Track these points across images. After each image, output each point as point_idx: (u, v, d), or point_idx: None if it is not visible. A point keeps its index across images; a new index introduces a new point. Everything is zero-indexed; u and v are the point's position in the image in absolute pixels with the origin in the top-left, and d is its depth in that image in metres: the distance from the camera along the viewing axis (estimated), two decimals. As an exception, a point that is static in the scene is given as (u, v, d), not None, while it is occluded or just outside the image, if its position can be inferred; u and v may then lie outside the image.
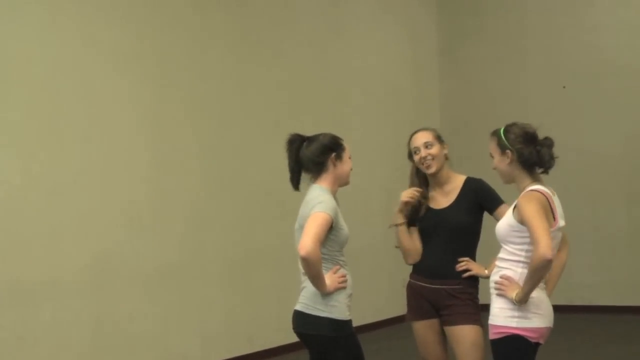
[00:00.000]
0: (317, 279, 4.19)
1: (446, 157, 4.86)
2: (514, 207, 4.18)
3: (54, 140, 6.97)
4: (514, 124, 4.24)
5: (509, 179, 4.28)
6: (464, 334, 4.69)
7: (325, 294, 4.23)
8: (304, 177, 4.49)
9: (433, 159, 4.77)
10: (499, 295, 4.17)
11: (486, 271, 4.69)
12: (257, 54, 8.89)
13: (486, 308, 4.38)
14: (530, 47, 11.02)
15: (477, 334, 4.70)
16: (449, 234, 4.81)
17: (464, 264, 4.74)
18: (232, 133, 8.57)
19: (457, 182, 4.87)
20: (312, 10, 9.64)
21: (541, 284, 4.12)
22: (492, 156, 4.32)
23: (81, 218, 7.13)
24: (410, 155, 4.88)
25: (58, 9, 7.02)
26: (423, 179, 4.89)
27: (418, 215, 4.86)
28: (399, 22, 11.09)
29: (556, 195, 4.19)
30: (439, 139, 4.83)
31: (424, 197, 4.87)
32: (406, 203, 4.83)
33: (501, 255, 4.25)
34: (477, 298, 4.79)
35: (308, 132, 4.60)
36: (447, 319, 4.75)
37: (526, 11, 11.13)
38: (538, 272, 3.99)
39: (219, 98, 8.45)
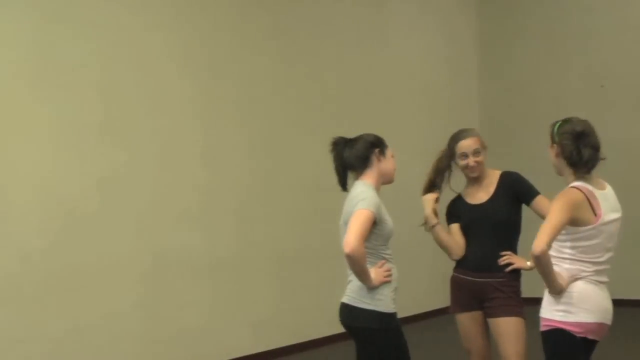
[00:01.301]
0: (362, 274, 4.20)
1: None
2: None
3: (113, 142, 7.03)
4: (569, 119, 4.19)
5: (558, 171, 4.24)
6: (507, 326, 4.69)
7: (371, 287, 4.23)
8: (350, 177, 4.46)
9: (479, 166, 4.79)
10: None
11: (528, 263, 4.64)
12: (304, 58, 8.92)
13: (530, 301, 4.37)
14: (568, 47, 10.90)
15: (519, 325, 4.70)
16: (489, 228, 4.79)
17: (506, 257, 4.73)
18: (279, 133, 8.58)
19: (493, 177, 4.87)
20: (357, 15, 9.65)
21: (595, 280, 4.07)
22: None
23: (140, 214, 7.21)
24: (451, 155, 4.87)
25: (127, 15, 7.12)
26: (444, 171, 4.91)
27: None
28: (439, 26, 11.07)
29: (607, 190, 4.14)
30: (483, 144, 4.85)
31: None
32: (436, 201, 4.87)
33: (549, 251, 4.20)
34: (519, 291, 4.79)
35: (352, 132, 4.61)
36: (490, 311, 4.75)
37: (564, 11, 11.00)
38: (537, 267, 3.97)
39: (267, 100, 8.46)
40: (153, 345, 7.24)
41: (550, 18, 11.12)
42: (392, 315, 4.29)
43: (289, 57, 8.71)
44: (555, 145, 4.15)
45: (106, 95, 7.03)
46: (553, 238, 3.91)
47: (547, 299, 4.11)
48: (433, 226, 4.87)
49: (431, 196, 4.87)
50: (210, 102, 7.95)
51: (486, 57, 11.58)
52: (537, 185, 4.87)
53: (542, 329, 4.12)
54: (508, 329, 4.69)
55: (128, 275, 7.11)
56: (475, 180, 4.87)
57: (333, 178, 4.65)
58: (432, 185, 4.93)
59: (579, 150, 4.09)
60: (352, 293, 4.31)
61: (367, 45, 9.79)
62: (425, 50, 10.76)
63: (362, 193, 4.28)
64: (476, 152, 4.78)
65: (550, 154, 4.20)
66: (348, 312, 4.34)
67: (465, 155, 4.78)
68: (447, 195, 5.06)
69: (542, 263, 3.90)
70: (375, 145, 4.41)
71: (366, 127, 4.85)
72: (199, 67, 7.85)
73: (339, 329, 4.58)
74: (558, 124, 4.18)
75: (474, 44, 11.57)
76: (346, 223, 4.24)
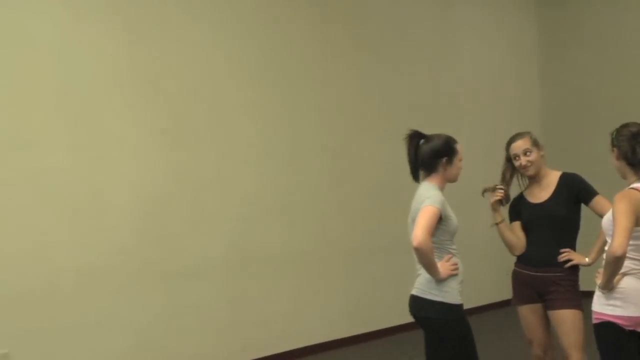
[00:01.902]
0: (430, 267, 4.18)
1: (542, 157, 4.85)
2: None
3: (196, 143, 7.08)
4: (627, 124, 4.13)
5: (621, 175, 4.17)
6: (566, 318, 4.66)
7: (438, 280, 4.21)
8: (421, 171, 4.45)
9: (532, 164, 4.76)
10: (597, 282, 4.09)
11: (587, 259, 4.64)
12: (377, 64, 8.87)
13: (588, 294, 4.30)
14: (628, 53, 10.62)
15: (577, 317, 4.67)
16: (549, 225, 4.76)
17: (566, 254, 4.69)
18: (352, 136, 8.55)
19: (553, 178, 4.83)
20: (425, 24, 9.59)
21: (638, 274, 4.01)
22: None
23: (221, 211, 7.23)
24: (509, 159, 4.88)
25: (194, 24, 7.14)
26: (511, 175, 4.90)
27: (503, 205, 4.88)
28: (502, 33, 10.91)
29: None
30: (535, 143, 4.82)
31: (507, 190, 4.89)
32: (498, 202, 4.84)
33: (605, 247, 4.13)
34: (578, 285, 4.75)
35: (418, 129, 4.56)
36: (550, 304, 4.72)
37: (621, 18, 10.72)
38: (609, 266, 3.88)
39: (341, 105, 8.46)
40: (236, 332, 7.29)
41: (608, 25, 10.86)
42: (458, 307, 4.27)
43: (361, 67, 8.69)
44: (614, 148, 4.08)
45: (193, 102, 7.08)
46: (629, 239, 3.86)
47: (598, 293, 4.07)
48: (497, 224, 4.87)
49: (499, 194, 4.85)
50: (295, 110, 7.96)
51: (547, 64, 11.35)
52: (596, 186, 4.80)
53: (594, 321, 4.09)
54: (567, 320, 4.66)
55: (214, 267, 7.16)
56: (536, 180, 4.84)
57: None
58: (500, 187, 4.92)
59: (634, 149, 4.03)
60: (421, 285, 4.29)
61: (435, 54, 9.73)
62: (490, 58, 10.64)
63: (428, 192, 4.28)
64: (526, 152, 4.77)
65: (612, 159, 4.14)
66: (417, 303, 4.33)
67: (517, 156, 4.79)
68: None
69: (620, 264, 3.88)
70: (442, 154, 4.36)
71: (433, 131, 4.77)
72: (282, 77, 7.86)
73: (409, 318, 4.54)
74: (617, 129, 4.13)
75: (536, 52, 11.38)
76: (414, 220, 4.23)
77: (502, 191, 4.84)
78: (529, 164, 4.77)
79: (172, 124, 6.91)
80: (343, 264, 8.35)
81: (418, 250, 4.10)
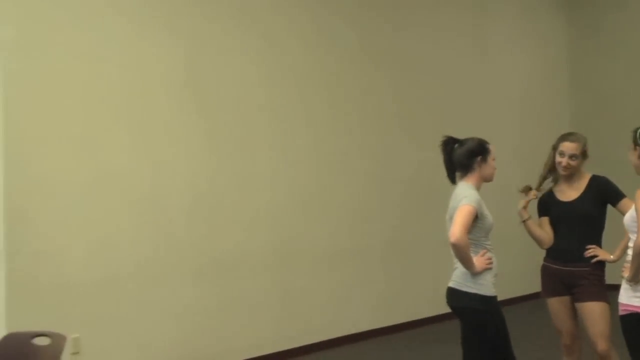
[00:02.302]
0: (466, 261, 4.19)
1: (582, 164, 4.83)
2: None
3: (245, 146, 7.12)
4: None
5: (639, 172, 4.17)
6: (592, 309, 4.66)
7: (473, 273, 4.22)
8: (457, 173, 4.47)
9: (571, 169, 4.77)
10: (622, 276, 4.09)
11: (611, 256, 4.64)
12: (413, 71, 8.88)
13: (614, 287, 4.33)
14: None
15: (604, 309, 4.64)
16: (577, 223, 4.76)
17: (592, 250, 4.69)
18: (391, 139, 8.56)
19: (584, 179, 4.81)
20: (459, 31, 9.57)
21: None
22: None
23: (269, 209, 7.27)
24: (555, 148, 4.84)
25: (246, 36, 7.18)
26: (550, 170, 4.88)
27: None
28: (533, 40, 10.85)
29: None
30: (584, 152, 4.79)
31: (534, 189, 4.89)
32: (528, 201, 4.86)
33: (630, 243, 4.15)
34: (604, 279, 4.74)
35: (457, 136, 4.57)
36: (578, 296, 4.71)
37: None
38: (636, 259, 3.92)
39: (380, 110, 8.46)
40: (285, 321, 7.36)
41: (637, 32, 10.74)
42: (492, 298, 4.28)
43: (400, 74, 8.70)
44: (637, 147, 4.08)
45: (243, 109, 7.12)
46: None
47: (624, 286, 4.08)
48: (524, 221, 4.86)
49: (533, 193, 4.87)
50: (337, 116, 7.97)
51: (577, 69, 11.25)
52: (623, 188, 4.80)
53: (621, 313, 4.09)
54: (593, 312, 4.65)
55: (263, 260, 7.19)
56: (566, 179, 4.81)
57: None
58: (540, 183, 4.92)
59: None
60: (457, 278, 4.31)
61: (468, 60, 9.71)
62: (521, 63, 10.59)
63: (465, 191, 4.29)
64: (573, 156, 4.73)
65: (632, 157, 4.14)
66: (454, 295, 4.34)
67: (562, 154, 4.75)
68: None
69: None
70: (477, 153, 4.38)
71: (468, 133, 4.82)
72: (327, 85, 7.90)
73: (445, 309, 4.57)
74: (638, 129, 4.14)
75: (566, 57, 11.27)
76: (451, 217, 4.24)
77: (534, 192, 4.86)
78: (568, 167, 4.75)
79: (223, 129, 6.95)
80: (380, 258, 8.35)
81: (455, 246, 4.12)
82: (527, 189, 4.91)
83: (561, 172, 4.80)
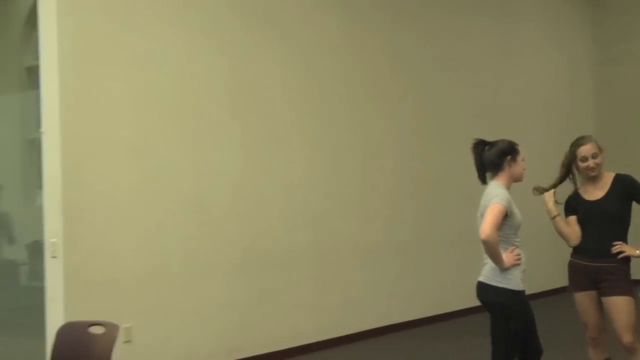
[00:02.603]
0: (495, 257, 4.18)
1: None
2: None
3: (286, 150, 7.17)
4: None
5: None
6: (618, 303, 4.60)
7: (503, 269, 4.21)
8: (487, 174, 4.44)
9: (598, 167, 4.72)
10: None
11: (637, 252, 4.60)
12: (442, 77, 8.88)
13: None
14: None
15: (629, 303, 4.59)
16: (603, 220, 4.69)
17: (618, 246, 4.63)
18: (423, 141, 8.57)
19: (608, 178, 4.74)
20: (486, 39, 9.54)
21: None
22: None
23: (307, 209, 7.33)
24: (573, 158, 4.77)
25: (284, 46, 7.24)
26: (566, 172, 4.83)
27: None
28: (558, 48, 10.75)
29: None
30: (600, 147, 4.75)
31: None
32: (554, 200, 4.79)
33: None
34: (629, 274, 4.68)
35: (485, 138, 4.56)
36: (604, 291, 4.65)
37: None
38: None
39: (414, 114, 8.48)
40: (323, 313, 7.39)
41: None
42: (521, 292, 4.26)
43: (431, 79, 8.70)
44: None
45: (285, 115, 7.17)
46: None
47: None
48: (554, 217, 4.78)
49: (550, 193, 4.80)
50: (369, 120, 7.97)
51: (601, 73, 11.15)
52: None
53: None
54: (619, 305, 4.59)
55: (305, 256, 7.23)
56: (592, 179, 4.74)
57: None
58: (557, 184, 4.85)
59: None
60: (487, 273, 4.30)
61: (497, 67, 9.69)
62: (547, 70, 10.52)
63: (495, 191, 4.28)
64: (594, 155, 4.68)
65: None
66: (483, 289, 4.34)
67: (585, 159, 4.68)
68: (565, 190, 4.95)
69: None
70: (507, 153, 4.36)
71: (496, 136, 4.80)
72: (362, 91, 7.91)
73: (474, 302, 4.57)
74: None
75: (590, 62, 11.19)
76: (482, 215, 4.24)
77: (552, 194, 4.80)
78: (596, 167, 4.70)
79: (262, 133, 6.97)
80: (412, 253, 8.35)
81: (485, 243, 4.12)
82: (540, 189, 4.85)
83: (591, 174, 4.73)
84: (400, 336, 7.85)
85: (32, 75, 6.95)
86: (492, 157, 4.37)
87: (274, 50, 7.13)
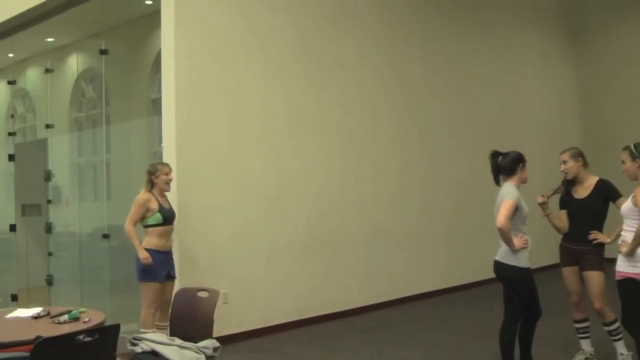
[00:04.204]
0: (508, 241, 4.18)
1: (584, 165, 4.72)
2: (632, 196, 4.09)
3: (344, 159, 7.14)
4: None
5: (633, 178, 4.16)
6: (592, 276, 4.63)
7: (514, 251, 4.22)
8: (501, 177, 4.42)
9: (567, 171, 4.74)
10: (620, 251, 4.11)
11: (608, 239, 4.62)
12: (466, 101, 8.85)
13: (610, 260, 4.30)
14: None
15: (601, 276, 4.61)
16: (585, 214, 4.69)
17: (594, 234, 4.65)
18: (446, 149, 8.52)
19: (592, 181, 4.74)
20: (491, 57, 9.43)
21: None
22: (623, 162, 4.22)
23: (360, 202, 7.29)
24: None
25: (347, 71, 7.18)
26: (564, 181, 4.83)
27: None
28: (550, 83, 10.61)
29: None
30: (573, 157, 4.72)
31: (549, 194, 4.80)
32: (543, 202, 4.79)
33: (624, 227, 4.16)
34: (602, 255, 4.69)
35: (493, 147, 4.55)
36: (582, 266, 4.69)
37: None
38: (637, 239, 3.95)
39: (442, 132, 8.43)
40: (372, 284, 7.40)
41: (633, 64, 10.40)
42: (527, 269, 4.28)
43: (452, 103, 8.62)
44: (637, 159, 4.10)
45: (340, 130, 7.11)
46: None
47: (621, 258, 4.07)
48: (546, 215, 4.79)
49: (541, 199, 4.77)
50: (409, 133, 7.86)
51: (584, 95, 11.04)
52: (622, 189, 4.67)
53: (617, 278, 4.08)
54: (593, 278, 4.61)
55: (356, 240, 7.23)
56: (580, 182, 4.73)
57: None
58: (554, 192, 4.83)
59: None
60: (502, 253, 4.30)
61: (503, 93, 9.61)
62: (542, 98, 10.43)
63: (508, 189, 4.27)
64: (564, 162, 4.72)
65: (629, 167, 4.17)
66: (499, 266, 4.33)
67: (561, 164, 4.76)
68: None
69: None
70: (519, 161, 4.38)
71: (503, 145, 4.83)
72: (400, 110, 7.83)
73: (489, 275, 4.54)
74: (633, 145, 4.18)
75: (576, 86, 11.06)
76: (498, 208, 4.23)
77: (543, 198, 4.79)
78: (565, 171, 4.73)
79: (328, 146, 6.97)
80: (443, 238, 8.37)
81: (500, 230, 4.11)
82: (548, 197, 4.86)
83: (566, 177, 4.75)
84: (433, 301, 7.86)
85: (155, 105, 7.10)
86: (508, 164, 4.35)
87: (339, 82, 7.12)
